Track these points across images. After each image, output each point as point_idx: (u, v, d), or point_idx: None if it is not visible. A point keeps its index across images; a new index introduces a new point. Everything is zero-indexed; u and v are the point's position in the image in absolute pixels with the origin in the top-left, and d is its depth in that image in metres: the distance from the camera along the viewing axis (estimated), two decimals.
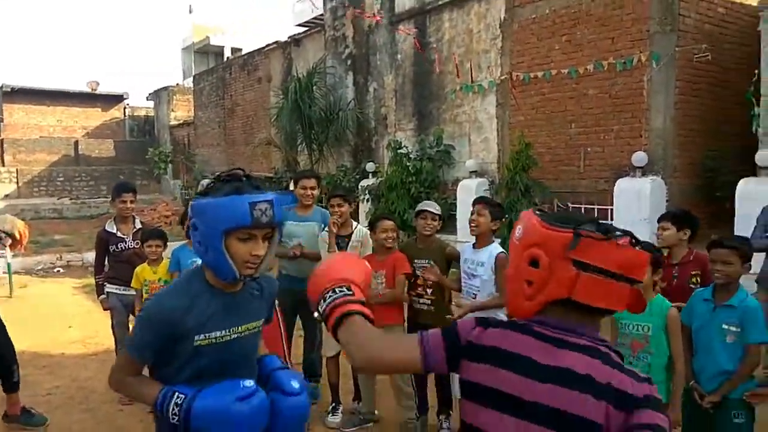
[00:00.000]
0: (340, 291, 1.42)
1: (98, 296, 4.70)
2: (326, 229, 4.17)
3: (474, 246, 3.66)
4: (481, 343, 1.27)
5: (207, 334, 1.73)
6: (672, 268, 3.32)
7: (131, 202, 4.52)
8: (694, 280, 3.41)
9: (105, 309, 4.66)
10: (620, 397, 1.13)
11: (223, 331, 1.76)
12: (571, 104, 8.71)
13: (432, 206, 3.95)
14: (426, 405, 4.03)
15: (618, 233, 1.20)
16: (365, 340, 1.36)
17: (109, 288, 4.56)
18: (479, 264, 3.57)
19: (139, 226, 4.61)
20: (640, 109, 7.89)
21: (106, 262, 4.59)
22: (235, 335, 1.79)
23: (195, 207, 1.70)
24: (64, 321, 6.88)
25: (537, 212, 1.28)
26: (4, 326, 4.00)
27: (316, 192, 4.47)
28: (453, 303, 3.75)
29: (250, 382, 1.69)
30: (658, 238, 3.48)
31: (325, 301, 1.41)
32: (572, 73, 8.53)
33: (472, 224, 3.58)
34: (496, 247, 3.58)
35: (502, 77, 9.66)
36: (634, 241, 1.21)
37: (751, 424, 2.72)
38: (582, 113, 8.57)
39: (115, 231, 4.47)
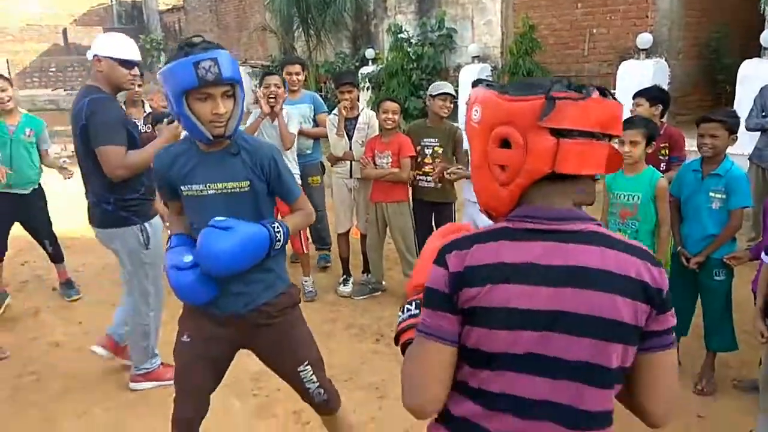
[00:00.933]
0: (408, 310, 1.28)
1: None
2: (334, 112, 4.30)
3: None
4: (473, 264, 1.09)
5: (189, 186, 1.96)
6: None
7: (139, 85, 4.55)
8: (663, 152, 3.71)
9: None
10: (646, 289, 1.06)
11: (201, 185, 1.95)
12: None
13: (450, 88, 4.04)
14: None
15: (591, 87, 1.09)
16: (412, 386, 1.19)
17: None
18: None
19: (149, 110, 4.69)
20: None
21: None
22: (212, 191, 1.94)
23: (160, 76, 1.85)
24: (80, 209, 7.11)
25: (488, 85, 1.15)
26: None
27: (300, 77, 4.65)
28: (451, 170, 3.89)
29: (189, 258, 1.93)
30: (631, 114, 3.60)
31: (401, 315, 1.29)
32: None
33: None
34: None
35: None
36: (605, 92, 1.10)
37: (730, 282, 3.01)
38: None
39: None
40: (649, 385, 1.12)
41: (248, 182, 1.95)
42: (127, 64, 2.82)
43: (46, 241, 4.42)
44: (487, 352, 1.09)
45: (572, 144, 1.05)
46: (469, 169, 3.70)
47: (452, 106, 4.02)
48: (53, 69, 22.18)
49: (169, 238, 2.08)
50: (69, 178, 4.33)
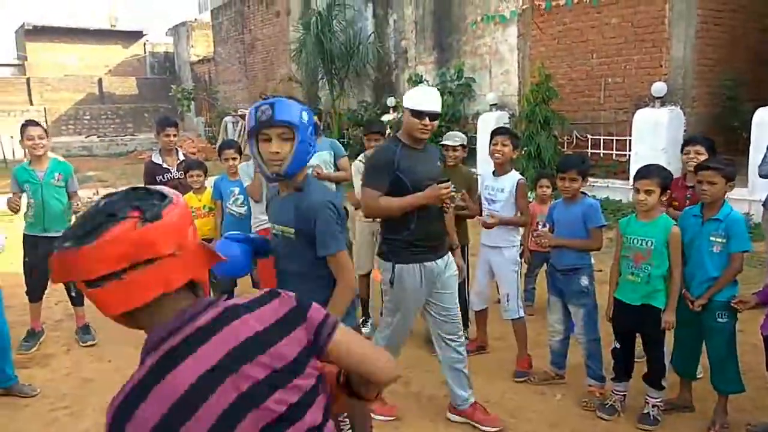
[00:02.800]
0: None
1: None
2: (360, 158, 4.57)
3: (494, 174, 3.94)
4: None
5: (270, 222, 2.33)
6: (686, 189, 3.58)
7: (174, 135, 4.86)
8: (686, 202, 3.71)
9: None
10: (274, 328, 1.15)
11: (272, 224, 2.28)
12: (592, 34, 8.70)
13: (451, 139, 4.21)
14: None
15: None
16: None
17: None
18: (499, 190, 3.86)
19: (182, 158, 4.97)
20: (661, 39, 7.89)
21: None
22: (275, 231, 2.25)
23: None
24: None
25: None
26: None
27: (319, 123, 4.83)
28: (484, 215, 4.00)
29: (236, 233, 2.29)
30: (689, 161, 3.60)
31: None
32: (594, 2, 8.49)
33: (497, 154, 3.84)
34: (516, 175, 3.88)
35: (524, 6, 9.61)
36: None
37: (734, 324, 3.07)
38: (603, 43, 8.58)
39: (161, 162, 4.83)
40: (352, 360, 1.26)
41: (293, 229, 2.16)
42: (420, 115, 2.87)
43: (71, 284, 4.55)
44: None
45: (99, 291, 1.04)
46: (482, 212, 3.87)
47: (458, 153, 4.17)
48: (87, 117, 23.12)
49: None
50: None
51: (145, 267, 1.04)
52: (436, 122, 2.92)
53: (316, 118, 4.88)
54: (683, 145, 3.77)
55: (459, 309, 3.20)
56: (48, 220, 4.32)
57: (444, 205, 2.92)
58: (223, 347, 1.08)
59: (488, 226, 3.82)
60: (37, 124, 4.38)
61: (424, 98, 2.92)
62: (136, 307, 1.06)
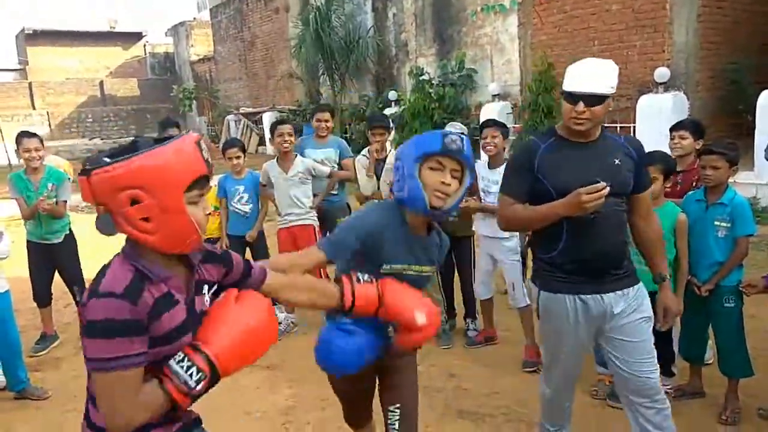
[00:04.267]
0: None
1: None
2: (363, 153, 4.57)
3: (489, 166, 3.95)
4: None
5: (391, 265, 1.98)
6: (676, 174, 3.55)
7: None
8: (695, 185, 3.66)
9: None
10: None
11: (403, 265, 2.00)
12: (593, 21, 8.65)
13: (453, 128, 4.21)
14: (454, 310, 4.46)
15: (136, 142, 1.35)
16: None
17: None
18: (494, 182, 3.86)
19: None
20: (663, 24, 7.83)
21: None
22: (410, 272, 2.02)
23: (398, 151, 2.03)
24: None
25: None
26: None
27: (330, 124, 4.94)
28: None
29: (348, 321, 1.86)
30: (675, 147, 3.61)
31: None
32: None
33: (488, 147, 3.87)
34: None
35: None
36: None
37: (741, 308, 3.05)
38: (605, 30, 8.53)
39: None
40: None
41: (433, 267, 2.16)
42: (571, 98, 2.17)
43: (75, 288, 4.53)
44: None
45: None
46: (482, 200, 3.86)
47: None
48: (90, 120, 23.22)
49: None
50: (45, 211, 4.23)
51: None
52: (600, 109, 2.14)
53: (328, 115, 4.92)
54: (670, 131, 3.73)
55: (656, 361, 2.36)
56: (45, 229, 4.35)
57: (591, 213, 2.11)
58: None
59: (469, 210, 3.87)
60: (33, 135, 4.32)
61: (578, 75, 2.18)
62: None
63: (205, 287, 1.48)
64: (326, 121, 4.89)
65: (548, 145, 2.29)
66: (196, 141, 1.34)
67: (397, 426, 2.17)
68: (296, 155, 4.58)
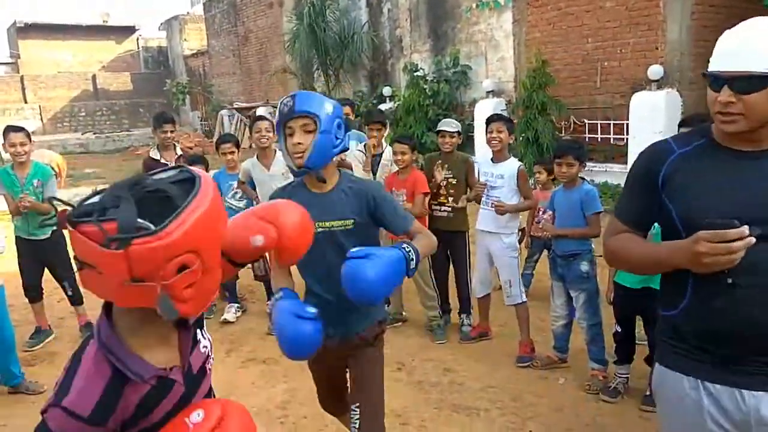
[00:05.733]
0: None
1: None
2: (359, 147, 4.58)
3: (493, 160, 3.95)
4: None
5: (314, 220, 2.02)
6: None
7: (171, 131, 4.85)
8: None
9: None
10: None
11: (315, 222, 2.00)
12: (587, 18, 8.67)
13: (448, 125, 4.23)
14: (448, 305, 4.48)
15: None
16: None
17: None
18: (499, 177, 3.88)
19: (180, 153, 4.96)
20: (657, 21, 7.87)
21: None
22: (319, 229, 1.98)
23: None
24: None
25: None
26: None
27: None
28: (483, 201, 3.97)
29: (312, 310, 1.76)
30: None
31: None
32: None
33: (494, 141, 3.85)
34: (515, 162, 3.90)
35: None
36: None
37: None
38: (598, 27, 8.56)
39: (159, 158, 4.81)
40: None
41: (352, 220, 2.10)
42: (715, 82, 1.50)
43: (65, 283, 4.52)
44: None
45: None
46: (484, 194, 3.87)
47: (455, 140, 4.19)
48: (83, 114, 23.07)
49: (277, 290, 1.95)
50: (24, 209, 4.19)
51: (96, 272, 1.02)
52: (755, 97, 1.41)
53: (348, 109, 4.90)
54: (678, 127, 3.76)
55: None
56: (31, 225, 4.33)
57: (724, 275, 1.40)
58: None
59: (502, 213, 3.81)
60: (19, 129, 4.26)
61: (726, 48, 1.48)
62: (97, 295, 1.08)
63: (198, 332, 1.29)
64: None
65: (690, 150, 1.57)
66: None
67: (357, 425, 2.17)
68: (275, 150, 4.53)
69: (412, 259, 1.85)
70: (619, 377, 3.35)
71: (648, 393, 3.21)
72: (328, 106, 2.02)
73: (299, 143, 2.00)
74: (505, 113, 9.54)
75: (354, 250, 1.79)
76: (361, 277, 1.71)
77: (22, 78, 22.72)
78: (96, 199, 1.05)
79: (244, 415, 1.19)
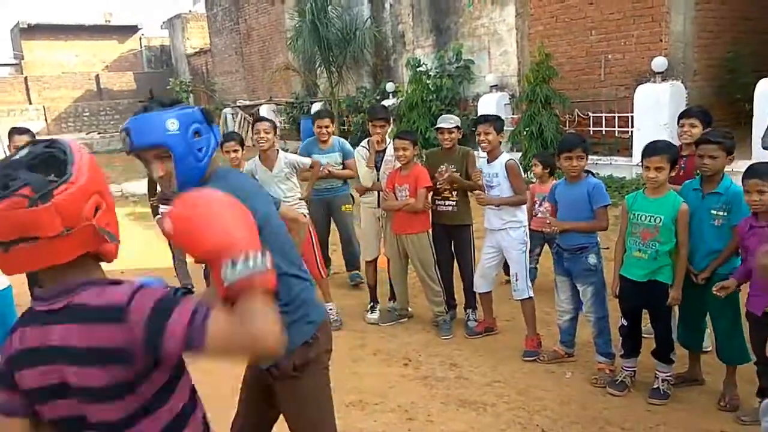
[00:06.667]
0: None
1: (154, 217, 5.14)
2: (362, 145, 4.61)
3: (487, 161, 3.96)
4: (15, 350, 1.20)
5: None
6: (680, 159, 3.56)
7: None
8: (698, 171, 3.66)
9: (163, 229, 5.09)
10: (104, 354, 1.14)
11: None
12: (590, 10, 8.63)
13: (445, 121, 4.22)
14: (454, 300, 4.48)
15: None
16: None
17: (164, 208, 4.95)
18: (494, 175, 3.89)
19: None
20: (660, 12, 7.81)
21: (158, 186, 4.96)
22: None
23: None
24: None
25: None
26: None
27: (330, 128, 5.04)
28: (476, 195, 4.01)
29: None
30: (683, 134, 3.61)
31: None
32: None
33: (482, 144, 3.89)
34: (505, 156, 3.92)
35: None
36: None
37: (737, 296, 3.07)
38: (602, 19, 8.51)
39: None
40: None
41: None
42: None
43: None
44: (52, 419, 1.22)
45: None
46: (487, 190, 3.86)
47: (454, 135, 4.18)
48: (87, 114, 23.10)
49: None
50: None
51: (30, 242, 1.08)
52: None
53: (327, 121, 4.95)
54: (678, 118, 3.75)
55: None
56: None
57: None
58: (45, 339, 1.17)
59: (482, 203, 3.90)
60: (24, 131, 4.25)
61: None
62: (27, 271, 1.16)
63: None
64: (326, 126, 5.00)
65: None
66: None
67: None
68: (278, 150, 4.61)
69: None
70: (626, 370, 3.34)
71: (655, 386, 3.20)
72: (171, 124, 1.68)
73: (161, 176, 1.75)
74: (508, 107, 9.56)
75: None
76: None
77: (26, 79, 22.77)
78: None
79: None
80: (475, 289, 4.20)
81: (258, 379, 1.97)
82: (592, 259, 3.40)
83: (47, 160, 1.12)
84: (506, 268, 4.39)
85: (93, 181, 1.14)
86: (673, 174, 3.13)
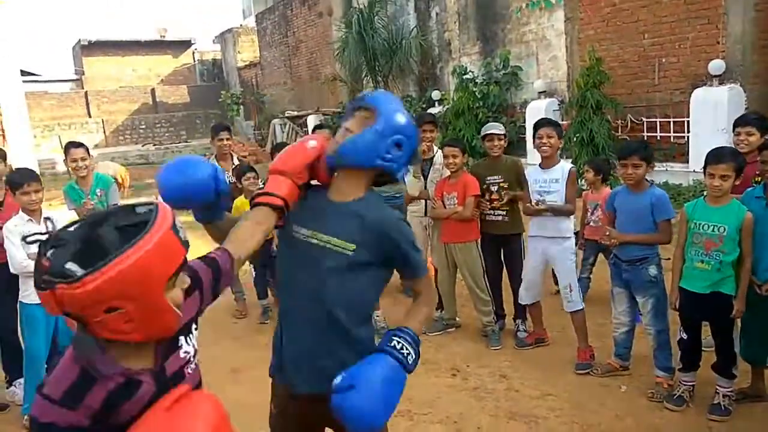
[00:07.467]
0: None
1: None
2: None
3: (541, 166, 3.87)
4: None
5: (301, 230, 1.78)
6: None
7: (227, 139, 4.99)
8: (757, 179, 3.46)
9: None
10: None
11: (311, 231, 1.75)
12: (643, 13, 8.41)
13: (494, 128, 4.18)
14: (503, 311, 4.41)
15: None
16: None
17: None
18: (553, 181, 3.78)
19: (237, 162, 5.09)
20: (717, 14, 7.54)
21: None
22: (314, 240, 1.74)
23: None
24: None
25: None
26: None
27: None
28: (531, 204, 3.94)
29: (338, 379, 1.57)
30: (740, 143, 3.47)
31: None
32: None
33: (544, 147, 3.76)
34: (567, 163, 3.82)
35: None
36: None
37: None
38: (655, 22, 8.28)
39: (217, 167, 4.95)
40: None
41: (353, 245, 1.84)
42: None
43: None
44: None
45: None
46: (531, 200, 3.78)
47: (502, 143, 4.13)
48: (143, 126, 23.97)
49: None
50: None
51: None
52: None
53: (432, 126, 4.69)
54: (734, 126, 3.59)
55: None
56: None
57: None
58: None
59: (532, 213, 3.79)
60: (79, 145, 4.43)
61: None
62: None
63: (181, 339, 1.35)
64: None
65: None
66: (172, 225, 1.16)
67: None
68: None
69: (409, 354, 1.64)
70: (684, 384, 3.22)
71: (716, 402, 3.07)
72: (400, 117, 1.72)
73: (348, 129, 1.72)
74: (557, 113, 9.40)
75: (337, 380, 1.55)
76: (356, 417, 1.50)
77: (86, 93, 23.84)
78: (71, 229, 1.15)
79: (210, 400, 1.28)
80: (520, 301, 4.13)
81: (304, 422, 1.86)
82: (652, 271, 3.28)
83: (96, 239, 1.12)
84: (555, 277, 4.29)
85: (112, 288, 1.09)
86: (737, 183, 3.01)
